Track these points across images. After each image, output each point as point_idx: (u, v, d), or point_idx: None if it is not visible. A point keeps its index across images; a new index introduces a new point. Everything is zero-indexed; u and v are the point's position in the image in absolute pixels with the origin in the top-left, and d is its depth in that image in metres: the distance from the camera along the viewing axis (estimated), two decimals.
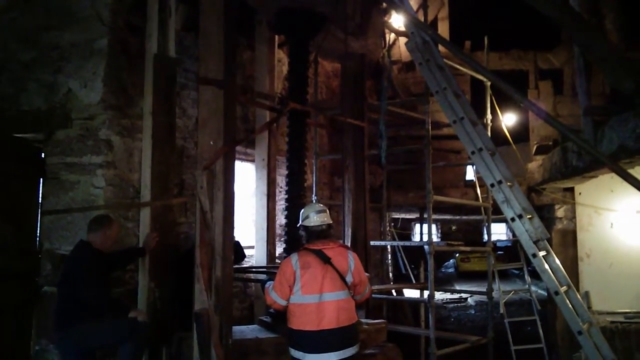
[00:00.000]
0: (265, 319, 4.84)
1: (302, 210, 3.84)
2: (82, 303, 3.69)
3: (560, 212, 7.68)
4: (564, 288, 3.96)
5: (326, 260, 3.55)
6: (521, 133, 10.40)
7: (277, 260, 5.82)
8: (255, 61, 6.03)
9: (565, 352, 7.20)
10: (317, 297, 3.47)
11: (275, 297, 3.56)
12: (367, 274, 4.36)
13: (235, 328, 4.48)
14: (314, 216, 3.71)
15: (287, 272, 3.54)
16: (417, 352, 7.74)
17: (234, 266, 4.34)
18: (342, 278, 3.57)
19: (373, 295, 6.20)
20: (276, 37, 6.19)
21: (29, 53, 4.71)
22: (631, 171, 3.78)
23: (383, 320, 5.32)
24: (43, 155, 4.67)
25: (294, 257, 3.58)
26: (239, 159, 6.22)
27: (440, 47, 5.35)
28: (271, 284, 3.65)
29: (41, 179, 4.68)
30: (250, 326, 4.91)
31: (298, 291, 3.49)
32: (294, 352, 3.52)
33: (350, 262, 3.66)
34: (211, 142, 3.71)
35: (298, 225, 3.85)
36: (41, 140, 4.68)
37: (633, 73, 3.84)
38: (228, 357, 3.60)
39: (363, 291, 3.77)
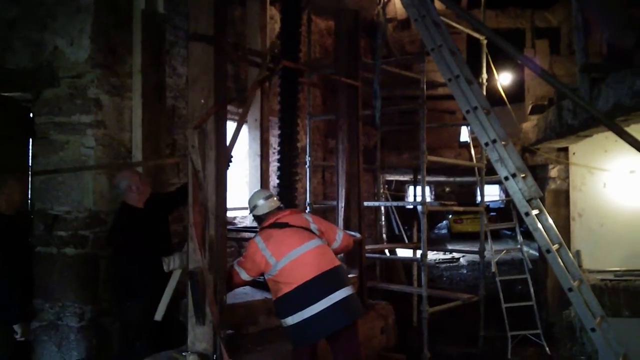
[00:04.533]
0: (258, 279, 4.85)
1: (249, 200, 3.95)
2: None
3: (553, 172, 7.69)
4: (556, 246, 3.98)
5: (284, 226, 3.64)
6: (517, 93, 10.34)
7: None
8: (247, 18, 5.88)
9: (555, 309, 7.34)
10: (290, 256, 3.51)
11: (238, 269, 3.66)
12: (356, 233, 4.41)
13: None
14: (261, 205, 3.83)
15: (250, 250, 3.63)
16: (409, 309, 7.89)
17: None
18: (308, 230, 3.66)
19: (367, 255, 6.25)
20: None
21: (13, 10, 4.57)
22: (627, 129, 3.76)
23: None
24: (32, 114, 4.59)
25: (257, 237, 3.66)
26: (232, 119, 6.14)
27: (437, 4, 5.23)
28: (238, 259, 3.76)
29: (31, 139, 4.62)
30: (244, 287, 4.89)
31: (273, 261, 3.53)
32: (291, 319, 3.45)
33: (307, 217, 3.80)
34: (202, 101, 3.63)
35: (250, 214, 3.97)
36: (29, 100, 4.59)
37: (633, 28, 3.77)
38: (222, 315, 3.63)
39: (335, 237, 3.85)
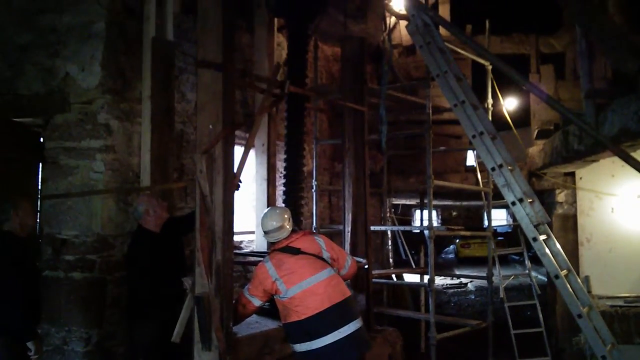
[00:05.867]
0: (264, 306, 4.81)
1: (262, 219, 3.83)
2: None
3: (561, 196, 7.67)
4: (564, 272, 3.96)
5: (296, 252, 3.59)
6: (522, 118, 10.36)
7: None
8: (255, 45, 5.98)
9: (565, 335, 7.24)
10: (301, 286, 3.48)
11: (250, 297, 3.62)
12: (362, 259, 4.37)
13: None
14: (271, 233, 3.74)
15: (260, 276, 3.58)
16: (417, 336, 7.80)
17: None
18: (320, 258, 3.61)
19: (374, 280, 6.22)
20: (275, 20, 6.13)
21: (26, 36, 4.65)
22: (633, 154, 3.76)
23: None
24: (42, 139, 4.64)
25: (267, 262, 3.61)
26: (239, 144, 6.18)
27: (442, 31, 5.29)
28: (247, 287, 3.70)
29: (40, 164, 4.66)
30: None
31: (284, 288, 3.50)
32: (299, 346, 3.47)
33: (320, 242, 3.71)
34: (210, 126, 3.68)
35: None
36: (40, 125, 4.65)
37: (636, 54, 3.80)
38: (229, 341, 3.60)
39: (344, 264, 3.79)
